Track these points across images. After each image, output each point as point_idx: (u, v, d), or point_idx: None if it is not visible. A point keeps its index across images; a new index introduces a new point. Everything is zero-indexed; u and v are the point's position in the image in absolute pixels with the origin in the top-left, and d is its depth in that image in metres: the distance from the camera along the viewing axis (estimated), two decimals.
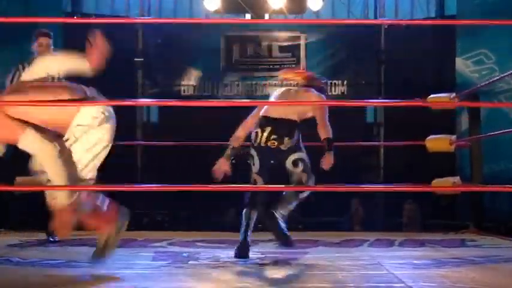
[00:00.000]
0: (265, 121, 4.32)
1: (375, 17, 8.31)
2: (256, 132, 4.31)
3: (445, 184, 4.36)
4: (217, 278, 3.42)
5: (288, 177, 4.36)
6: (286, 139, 4.28)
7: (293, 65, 8.08)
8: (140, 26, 8.12)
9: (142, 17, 8.23)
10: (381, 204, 7.73)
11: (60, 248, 4.61)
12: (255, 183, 4.29)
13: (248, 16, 8.07)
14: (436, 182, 4.49)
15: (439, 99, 5.16)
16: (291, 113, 4.32)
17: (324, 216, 7.28)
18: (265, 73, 8.15)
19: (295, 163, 4.31)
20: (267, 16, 8.05)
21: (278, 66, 8.09)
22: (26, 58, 7.57)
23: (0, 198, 6.24)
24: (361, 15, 8.62)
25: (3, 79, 7.55)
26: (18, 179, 5.25)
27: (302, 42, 8.17)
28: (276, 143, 4.26)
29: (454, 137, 5.26)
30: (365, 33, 8.14)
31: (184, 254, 4.23)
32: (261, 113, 4.39)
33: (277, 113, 4.31)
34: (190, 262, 3.95)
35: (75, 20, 7.76)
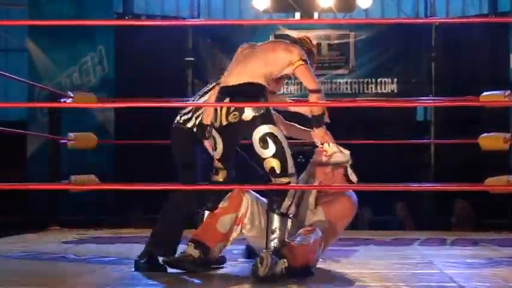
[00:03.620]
0: (223, 93, 3.38)
1: (426, 14, 8.21)
2: (215, 109, 3.39)
3: (500, 183, 4.30)
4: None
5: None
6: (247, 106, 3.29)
7: (342, 64, 8.05)
8: (190, 25, 8.20)
9: (191, 18, 8.29)
10: (432, 203, 7.65)
11: (114, 246, 4.70)
12: (216, 173, 3.49)
13: (297, 15, 8.07)
14: (490, 180, 4.44)
15: (493, 97, 5.08)
16: (256, 74, 3.35)
17: (374, 215, 7.24)
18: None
19: (263, 140, 3.28)
20: (316, 15, 8.04)
21: (327, 65, 8.08)
22: (80, 58, 7.80)
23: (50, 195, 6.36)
24: (411, 12, 8.54)
25: (60, 79, 7.79)
26: (73, 177, 5.39)
27: (351, 40, 8.12)
28: (237, 114, 3.29)
29: (508, 134, 5.18)
30: (415, 30, 8.06)
31: (235, 252, 4.26)
32: (221, 83, 3.48)
33: (237, 78, 3.36)
34: (239, 260, 3.97)
35: (126, 22, 7.88)
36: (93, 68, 7.73)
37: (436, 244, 4.92)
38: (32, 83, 6.90)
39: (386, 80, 8.00)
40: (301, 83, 6.91)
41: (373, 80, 8.00)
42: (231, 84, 3.37)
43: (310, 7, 7.93)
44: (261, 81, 3.34)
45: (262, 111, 3.28)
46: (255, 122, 3.28)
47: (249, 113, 3.28)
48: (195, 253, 3.36)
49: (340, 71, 8.06)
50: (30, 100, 7.71)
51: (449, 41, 7.86)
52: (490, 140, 5.15)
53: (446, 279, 3.29)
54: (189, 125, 3.65)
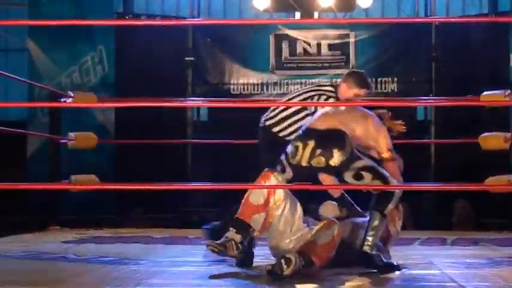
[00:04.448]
0: (308, 133, 3.46)
1: (426, 13, 8.22)
2: (296, 146, 3.44)
3: (500, 182, 4.29)
4: (265, 275, 3.42)
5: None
6: (335, 151, 3.38)
7: (342, 63, 8.05)
8: (190, 25, 8.20)
9: (192, 18, 8.31)
10: (432, 203, 7.64)
11: (114, 246, 4.69)
12: None
13: (297, 14, 8.08)
14: (490, 180, 4.43)
15: (493, 96, 5.08)
16: (342, 126, 3.47)
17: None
18: (314, 71, 8.13)
19: (357, 176, 3.44)
20: (316, 14, 8.04)
21: (327, 65, 8.08)
22: (80, 58, 7.81)
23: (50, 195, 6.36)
24: (411, 11, 8.54)
25: (60, 78, 7.79)
26: (73, 177, 5.39)
27: (351, 39, 8.13)
28: (323, 160, 3.38)
29: (509, 134, 5.17)
30: (415, 30, 8.07)
31: None
32: (305, 124, 3.58)
33: (325, 125, 3.46)
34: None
35: (126, 22, 7.89)
36: (93, 67, 7.73)
37: (436, 244, 4.91)
38: (32, 82, 6.90)
39: (387, 79, 8.00)
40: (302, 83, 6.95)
41: (374, 79, 7.99)
42: (318, 128, 3.45)
43: (310, 7, 7.94)
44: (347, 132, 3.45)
45: (348, 154, 3.38)
46: (342, 166, 3.39)
47: (337, 158, 3.38)
48: (237, 238, 3.39)
49: (340, 71, 8.04)
50: (30, 100, 7.71)
51: (449, 41, 7.86)
52: (490, 140, 5.14)
53: (446, 279, 3.29)
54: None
